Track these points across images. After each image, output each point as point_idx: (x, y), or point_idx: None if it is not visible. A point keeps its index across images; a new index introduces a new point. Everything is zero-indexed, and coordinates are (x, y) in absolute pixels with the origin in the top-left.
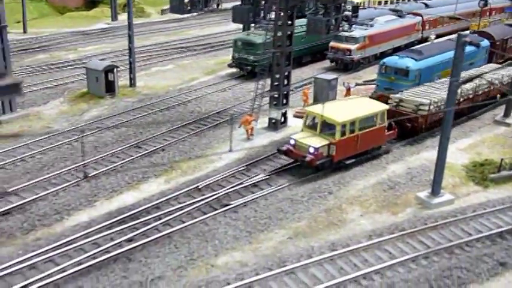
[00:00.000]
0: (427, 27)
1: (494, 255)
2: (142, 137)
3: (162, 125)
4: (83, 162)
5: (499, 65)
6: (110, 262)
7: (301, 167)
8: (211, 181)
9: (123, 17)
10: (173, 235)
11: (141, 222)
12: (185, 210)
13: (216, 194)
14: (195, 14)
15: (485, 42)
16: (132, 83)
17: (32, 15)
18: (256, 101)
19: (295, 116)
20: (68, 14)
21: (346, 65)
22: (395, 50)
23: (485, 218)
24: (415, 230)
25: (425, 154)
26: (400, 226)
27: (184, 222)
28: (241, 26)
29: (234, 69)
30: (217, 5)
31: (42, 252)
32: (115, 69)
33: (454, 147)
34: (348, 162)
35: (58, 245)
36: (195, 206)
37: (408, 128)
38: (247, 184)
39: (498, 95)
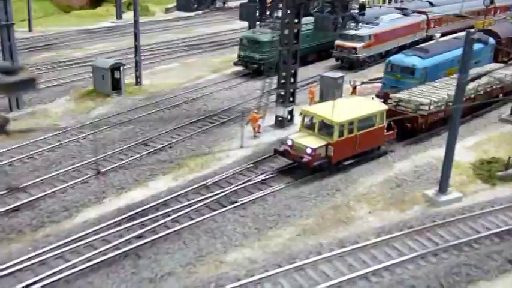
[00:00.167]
0: (432, 25)
1: (502, 253)
2: (150, 135)
3: (168, 123)
4: (95, 158)
5: (503, 64)
6: (120, 258)
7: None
8: (219, 178)
9: (127, 16)
10: (182, 232)
11: (150, 219)
12: (194, 207)
13: (224, 191)
14: (200, 12)
15: (491, 41)
16: (138, 81)
17: (36, 14)
18: (263, 98)
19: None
20: (72, 12)
21: (351, 64)
22: (400, 49)
23: (493, 215)
24: (424, 227)
25: (432, 152)
26: (408, 223)
27: (193, 219)
28: (246, 24)
29: (240, 68)
30: (224, 3)
31: (52, 248)
32: (121, 67)
33: (461, 146)
34: (346, 163)
35: (67, 242)
36: (203, 203)
37: (408, 128)
38: (255, 181)
39: (501, 94)
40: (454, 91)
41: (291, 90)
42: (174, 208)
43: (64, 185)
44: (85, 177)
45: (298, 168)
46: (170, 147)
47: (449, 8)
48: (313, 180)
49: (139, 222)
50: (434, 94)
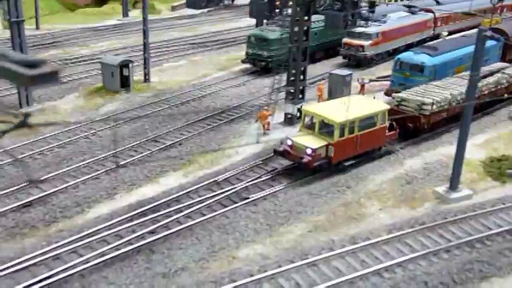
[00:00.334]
0: (438, 24)
1: None
2: (159, 132)
3: (178, 120)
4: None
5: (507, 64)
6: (133, 253)
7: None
8: (229, 175)
9: (133, 14)
10: (194, 227)
11: (162, 214)
12: (205, 203)
13: (235, 188)
14: (205, 10)
15: (500, 39)
16: (147, 78)
17: (42, 12)
18: (273, 95)
19: None
20: (78, 10)
21: (359, 61)
22: (407, 47)
23: (504, 212)
24: (435, 224)
25: (442, 149)
26: (419, 220)
27: (204, 214)
28: (251, 22)
29: (247, 65)
30: (232, 1)
31: (66, 243)
32: (130, 64)
33: (470, 143)
34: (346, 163)
35: (81, 237)
36: (214, 199)
37: (410, 128)
38: (265, 178)
39: (505, 94)
40: (457, 91)
41: (300, 88)
42: (185, 204)
43: (76, 181)
44: (96, 173)
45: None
46: (180, 144)
47: (456, 6)
48: (324, 177)
49: (151, 218)
50: (437, 94)
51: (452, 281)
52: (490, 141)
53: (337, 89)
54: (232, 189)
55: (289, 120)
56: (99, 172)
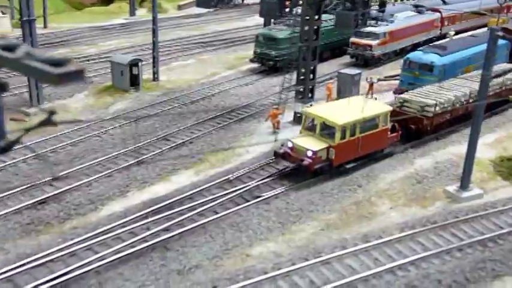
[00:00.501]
0: (445, 23)
1: None
2: (170, 130)
3: (188, 118)
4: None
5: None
6: (148, 251)
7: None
8: (241, 173)
9: (140, 13)
10: (208, 225)
11: (175, 212)
12: (218, 201)
13: (246, 186)
14: (212, 10)
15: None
16: (156, 77)
17: (48, 11)
18: (283, 94)
19: None
20: (86, 9)
21: (366, 61)
22: (414, 46)
23: None
24: (447, 222)
25: (452, 149)
26: (431, 219)
27: (217, 212)
28: (258, 21)
29: (255, 64)
30: (242, 0)
31: (81, 240)
32: (139, 63)
33: (480, 142)
34: (348, 166)
35: (95, 234)
36: (227, 197)
37: (412, 130)
38: (276, 177)
39: (510, 96)
40: (461, 92)
41: (310, 87)
42: (198, 202)
43: (89, 179)
44: (109, 171)
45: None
46: (191, 143)
47: (462, 6)
48: (335, 177)
49: (165, 216)
50: (441, 95)
51: (466, 279)
52: (500, 140)
53: (346, 88)
54: (244, 187)
55: (299, 119)
56: (111, 170)
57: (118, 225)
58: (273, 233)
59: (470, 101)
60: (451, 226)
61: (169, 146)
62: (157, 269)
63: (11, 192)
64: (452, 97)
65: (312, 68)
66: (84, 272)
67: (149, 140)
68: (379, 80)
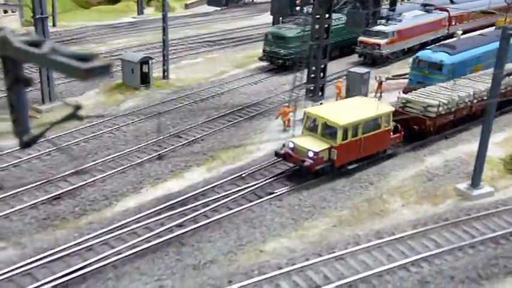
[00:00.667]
0: (453, 22)
1: None
2: (181, 127)
3: (198, 116)
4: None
5: None
6: (164, 246)
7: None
8: (252, 170)
9: (148, 11)
10: (222, 221)
11: (189, 208)
12: (231, 197)
13: (259, 183)
14: (219, 8)
15: None
16: (165, 75)
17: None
18: (294, 92)
19: None
20: (94, 8)
21: (374, 60)
22: (422, 46)
23: None
24: (459, 220)
25: (462, 147)
26: (443, 216)
27: (231, 208)
28: (265, 20)
29: (263, 63)
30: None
31: (97, 235)
32: (150, 61)
33: (490, 141)
34: (350, 167)
35: (111, 229)
36: (240, 193)
37: (415, 130)
38: (288, 174)
39: None
40: (465, 92)
41: (321, 85)
42: (212, 198)
43: (103, 175)
44: (122, 167)
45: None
46: (202, 140)
47: (470, 5)
48: (347, 174)
49: (179, 212)
50: (444, 95)
51: (478, 275)
52: (510, 139)
53: (355, 86)
54: (256, 184)
55: None
56: (124, 166)
57: (133, 220)
58: (286, 229)
59: (475, 101)
60: (462, 223)
61: (181, 143)
62: (173, 264)
63: (26, 187)
64: (456, 97)
65: (322, 66)
66: (101, 266)
67: (161, 137)
68: (387, 78)
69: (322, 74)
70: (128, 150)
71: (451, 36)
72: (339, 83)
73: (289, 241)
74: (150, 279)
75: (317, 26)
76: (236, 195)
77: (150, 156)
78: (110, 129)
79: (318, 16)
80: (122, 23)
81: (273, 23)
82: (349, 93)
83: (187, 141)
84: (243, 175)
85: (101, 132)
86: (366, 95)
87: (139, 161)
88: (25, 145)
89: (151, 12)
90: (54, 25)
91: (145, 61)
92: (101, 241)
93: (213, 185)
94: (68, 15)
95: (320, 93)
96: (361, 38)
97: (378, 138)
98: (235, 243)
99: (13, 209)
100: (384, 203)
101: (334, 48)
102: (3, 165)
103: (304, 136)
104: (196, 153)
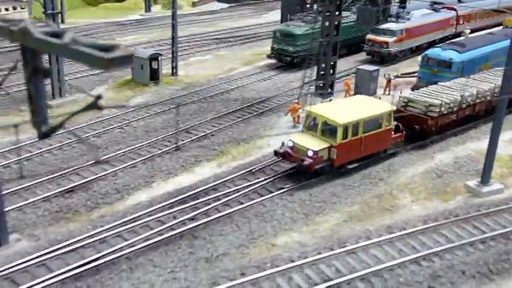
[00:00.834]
0: (461, 21)
1: None
2: (191, 123)
3: (208, 112)
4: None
5: None
6: (176, 239)
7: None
8: (263, 165)
9: (155, 9)
10: (233, 215)
11: (201, 202)
12: (242, 192)
13: (269, 178)
14: (226, 6)
15: None
16: (174, 71)
17: None
18: (304, 89)
19: None
20: (101, 5)
21: (382, 58)
22: (430, 44)
23: None
24: (469, 216)
25: (471, 145)
26: (453, 212)
27: (242, 203)
28: (272, 18)
29: (271, 60)
30: None
31: (110, 228)
32: (159, 58)
33: (500, 139)
34: (350, 166)
35: (124, 222)
36: (250, 188)
37: (416, 130)
38: (298, 169)
39: None
40: (468, 92)
41: (330, 82)
42: (223, 192)
43: (114, 169)
44: (133, 161)
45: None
46: (212, 135)
47: (477, 4)
48: (357, 170)
49: (190, 205)
50: (447, 95)
51: (489, 270)
52: None
53: (364, 84)
54: (267, 179)
55: None
56: (136, 161)
57: (145, 213)
58: (297, 224)
59: (478, 101)
60: (473, 219)
61: (190, 139)
62: (186, 256)
63: (38, 181)
64: (459, 97)
65: (332, 63)
66: (115, 258)
67: (171, 133)
68: (396, 76)
69: (331, 71)
70: (139, 145)
71: (458, 35)
72: (348, 80)
73: (301, 235)
74: (164, 271)
75: (327, 23)
76: (247, 190)
77: (160, 152)
78: (120, 124)
79: (328, 13)
80: (130, 20)
81: (281, 21)
82: (358, 91)
83: (197, 136)
84: (253, 170)
85: (111, 127)
86: (374, 93)
87: (150, 155)
88: (43, 136)
89: (158, 9)
90: (62, 22)
91: (154, 57)
92: (114, 233)
93: (224, 179)
94: (75, 12)
95: (329, 90)
96: (369, 36)
97: (378, 137)
98: (246, 236)
99: (26, 202)
100: (394, 199)
101: (342, 47)
102: (16, 159)
103: (303, 135)
104: (206, 148)
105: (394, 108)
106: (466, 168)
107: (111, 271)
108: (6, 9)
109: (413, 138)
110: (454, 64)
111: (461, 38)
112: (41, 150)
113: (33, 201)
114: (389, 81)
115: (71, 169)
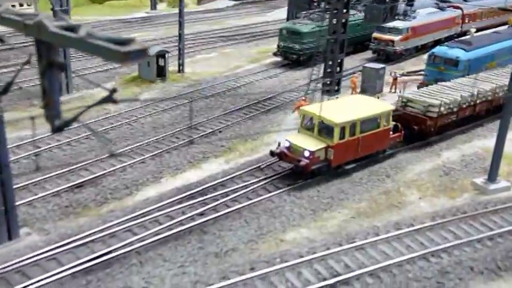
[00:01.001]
0: (466, 20)
1: None
2: (198, 120)
3: (215, 109)
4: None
5: None
6: (186, 234)
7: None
8: (270, 162)
9: (161, 7)
10: (242, 210)
11: (209, 198)
12: (250, 188)
13: (277, 174)
14: (233, 3)
15: None
16: (181, 68)
17: None
18: (311, 86)
19: None
20: (107, 2)
21: (388, 56)
22: (435, 43)
23: None
24: (477, 213)
25: (478, 142)
26: (460, 209)
27: (251, 199)
28: (277, 16)
29: (277, 58)
30: None
31: (120, 222)
32: (166, 55)
33: (506, 137)
34: (347, 167)
35: (133, 217)
36: (259, 184)
37: (415, 130)
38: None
39: None
40: (468, 92)
41: (337, 79)
42: (231, 188)
43: (123, 164)
44: (142, 157)
45: None
46: (220, 132)
47: (483, 3)
48: (364, 166)
49: (199, 201)
50: (447, 95)
51: (497, 267)
52: None
53: (371, 81)
54: (275, 175)
55: None
56: (144, 156)
57: (154, 209)
58: (305, 220)
59: (478, 101)
60: (480, 216)
61: (198, 135)
62: (195, 251)
63: (48, 175)
64: (459, 97)
65: (339, 60)
66: (125, 252)
67: (179, 129)
68: (402, 74)
69: (338, 69)
70: (147, 141)
71: (464, 34)
72: (355, 78)
73: (309, 231)
74: (173, 266)
75: (334, 21)
76: (255, 186)
77: (168, 148)
78: (127, 120)
79: (335, 11)
80: (135, 18)
81: (287, 19)
82: (365, 88)
83: (204, 133)
84: (261, 166)
85: (119, 123)
86: (381, 91)
87: (159, 151)
88: (57, 129)
89: (164, 7)
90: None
91: (161, 54)
92: (123, 228)
93: (232, 175)
94: (81, 9)
95: (336, 88)
96: (375, 35)
97: (376, 137)
98: (255, 232)
99: (36, 196)
100: (401, 196)
101: (348, 45)
102: (26, 154)
103: (300, 135)
104: (214, 145)
105: (393, 107)
106: (473, 165)
107: (122, 265)
108: (13, 6)
109: (412, 139)
110: (461, 62)
111: (468, 36)
112: (49, 146)
113: (43, 196)
114: (395, 79)
115: (80, 164)
